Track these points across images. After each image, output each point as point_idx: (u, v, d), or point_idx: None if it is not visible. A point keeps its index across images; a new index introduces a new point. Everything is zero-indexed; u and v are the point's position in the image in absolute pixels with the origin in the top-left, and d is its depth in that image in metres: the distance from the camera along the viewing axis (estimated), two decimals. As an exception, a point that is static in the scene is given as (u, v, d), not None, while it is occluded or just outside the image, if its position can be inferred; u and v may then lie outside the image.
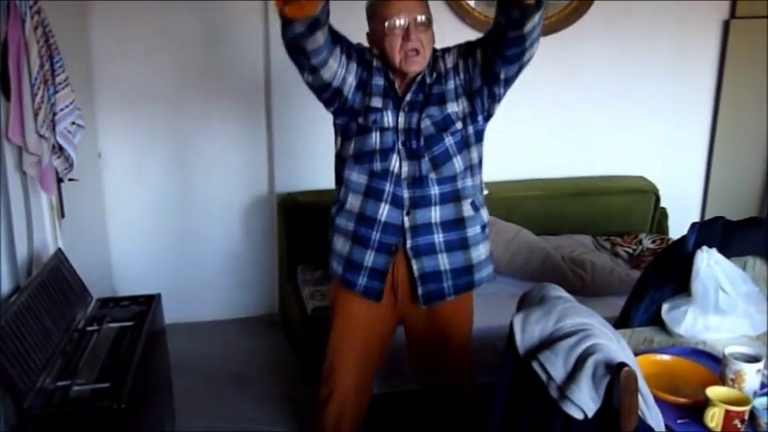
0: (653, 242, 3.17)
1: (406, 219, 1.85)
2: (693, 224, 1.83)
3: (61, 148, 2.07)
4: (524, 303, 1.47)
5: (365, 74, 1.84)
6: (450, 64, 1.86)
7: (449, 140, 1.83)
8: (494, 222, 3.05)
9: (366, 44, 1.90)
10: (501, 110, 1.91)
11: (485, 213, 1.96)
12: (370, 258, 1.88)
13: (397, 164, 1.83)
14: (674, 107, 3.58)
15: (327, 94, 1.83)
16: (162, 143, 3.20)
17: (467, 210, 1.88)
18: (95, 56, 3.04)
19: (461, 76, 1.84)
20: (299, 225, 3.07)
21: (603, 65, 3.44)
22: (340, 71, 1.78)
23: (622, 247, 3.14)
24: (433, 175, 1.83)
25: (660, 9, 3.39)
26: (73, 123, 2.09)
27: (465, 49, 1.87)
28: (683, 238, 1.81)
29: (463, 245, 1.89)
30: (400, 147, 1.83)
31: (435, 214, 1.86)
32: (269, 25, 3.07)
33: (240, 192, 3.32)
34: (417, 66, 1.80)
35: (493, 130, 1.95)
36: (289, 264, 3.12)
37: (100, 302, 2.25)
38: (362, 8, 1.88)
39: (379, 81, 1.85)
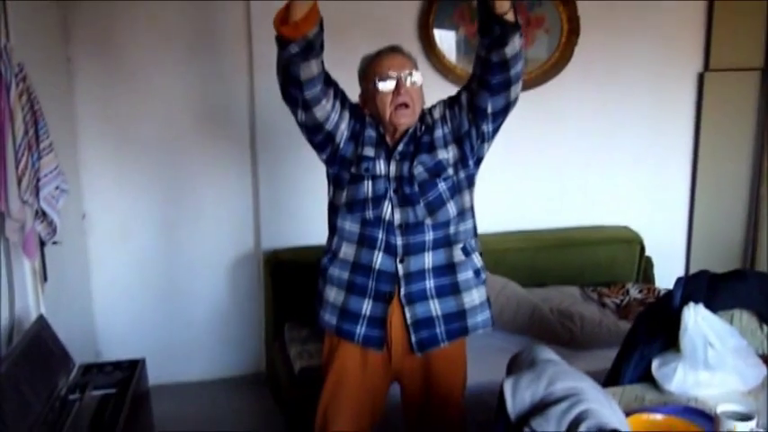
0: (640, 292, 3.18)
1: (399, 266, 1.85)
2: (679, 279, 1.83)
3: (44, 214, 2.06)
4: (514, 367, 1.45)
5: (358, 126, 1.89)
6: (437, 115, 1.92)
7: (442, 186, 1.86)
8: (481, 275, 3.05)
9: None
10: (485, 162, 1.94)
11: (477, 258, 1.95)
12: (368, 307, 1.87)
13: (389, 211, 1.85)
14: (654, 157, 3.64)
15: (320, 136, 1.86)
16: (147, 202, 3.19)
17: (458, 255, 1.89)
18: (80, 115, 3.05)
19: (449, 124, 1.89)
20: (286, 282, 3.05)
21: (584, 117, 3.50)
22: (333, 115, 1.83)
23: (609, 298, 3.14)
24: (429, 221, 1.85)
25: (637, 62, 3.49)
26: (56, 188, 2.09)
27: (449, 100, 1.93)
28: (670, 293, 1.81)
29: (454, 290, 1.89)
30: (392, 194, 1.86)
31: (428, 260, 1.87)
32: (254, 82, 3.12)
33: (226, 249, 3.31)
34: (407, 119, 1.84)
35: (477, 182, 1.97)
36: (275, 322, 3.09)
37: (83, 368, 2.21)
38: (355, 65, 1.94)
39: (371, 133, 1.90)
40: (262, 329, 3.30)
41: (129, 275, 3.21)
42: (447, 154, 1.88)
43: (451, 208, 1.87)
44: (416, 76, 1.84)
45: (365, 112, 1.91)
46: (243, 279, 3.33)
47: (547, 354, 1.46)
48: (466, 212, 1.92)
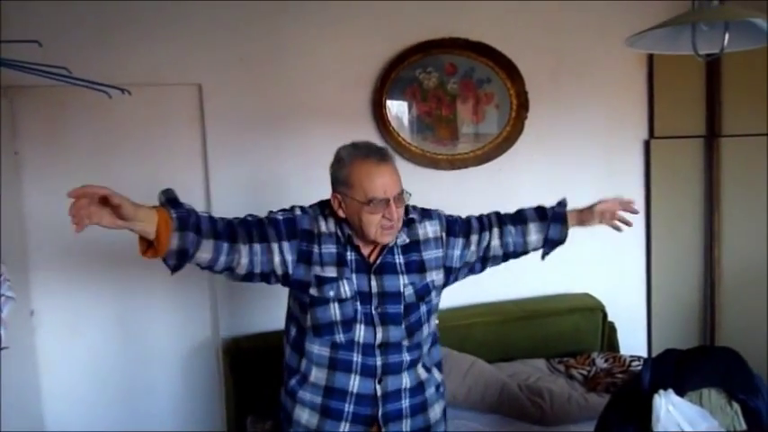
0: (606, 361, 3.17)
1: (378, 387, 1.80)
2: (646, 360, 1.84)
3: (-12, 323, 1.95)
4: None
5: (304, 244, 1.76)
6: (431, 234, 1.88)
7: (423, 309, 1.83)
8: (447, 354, 3.01)
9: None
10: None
11: (437, 373, 1.96)
12: (344, 430, 1.81)
13: (362, 332, 1.77)
14: (609, 222, 3.70)
15: (256, 279, 1.75)
16: (97, 295, 3.05)
17: (422, 372, 1.88)
18: (29, 209, 2.94)
19: (443, 248, 1.88)
20: (247, 372, 2.95)
21: (538, 188, 3.53)
22: (261, 258, 1.70)
23: (576, 369, 3.13)
24: (406, 342, 1.81)
25: (586, 132, 3.59)
26: (1, 296, 1.99)
27: (448, 226, 1.91)
28: (638, 376, 1.80)
29: (423, 408, 1.88)
30: (374, 312, 1.78)
31: (405, 381, 1.84)
32: (208, 167, 3.08)
33: (182, 339, 3.18)
34: (391, 237, 1.78)
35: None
36: (237, 414, 2.96)
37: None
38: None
39: (330, 249, 1.78)
40: (223, 424, 3.16)
41: (80, 374, 3.05)
42: (435, 276, 1.86)
43: (426, 330, 1.86)
44: (405, 195, 1.78)
45: (339, 214, 1.77)
46: (201, 370, 3.20)
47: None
48: (433, 334, 1.93)
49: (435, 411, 1.92)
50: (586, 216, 2.10)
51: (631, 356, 3.21)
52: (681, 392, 1.74)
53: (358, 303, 1.77)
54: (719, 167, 3.43)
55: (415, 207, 1.91)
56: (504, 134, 3.42)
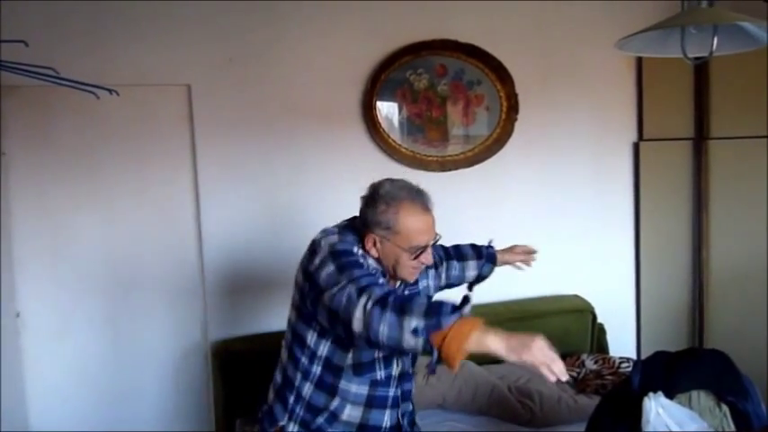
0: (595, 363, 3.18)
1: (400, 417, 1.89)
2: (636, 363, 1.84)
3: (-27, 326, 1.93)
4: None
5: None
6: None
7: None
8: (437, 356, 3.00)
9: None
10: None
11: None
12: None
13: (396, 366, 1.85)
14: (598, 224, 3.72)
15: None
16: (85, 298, 3.03)
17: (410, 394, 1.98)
18: (15, 210, 2.91)
19: (426, 280, 2.03)
20: (236, 374, 2.93)
21: (528, 190, 3.57)
22: None
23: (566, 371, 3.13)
24: (410, 370, 1.91)
25: (575, 135, 3.59)
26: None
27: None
28: (628, 379, 1.81)
29: (414, 421, 2.01)
30: None
31: (409, 404, 1.95)
32: (197, 165, 3.06)
33: (171, 341, 3.15)
34: (416, 277, 1.85)
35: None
36: (226, 417, 2.94)
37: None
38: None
39: None
40: (212, 426, 3.14)
41: (66, 376, 3.02)
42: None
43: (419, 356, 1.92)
44: (437, 237, 1.81)
45: (371, 253, 1.76)
46: (189, 372, 3.17)
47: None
48: None
49: (416, 419, 2.04)
50: (507, 257, 2.32)
51: (620, 358, 3.22)
52: (670, 394, 1.75)
53: None
54: (708, 170, 3.44)
55: None
56: (494, 136, 3.42)
